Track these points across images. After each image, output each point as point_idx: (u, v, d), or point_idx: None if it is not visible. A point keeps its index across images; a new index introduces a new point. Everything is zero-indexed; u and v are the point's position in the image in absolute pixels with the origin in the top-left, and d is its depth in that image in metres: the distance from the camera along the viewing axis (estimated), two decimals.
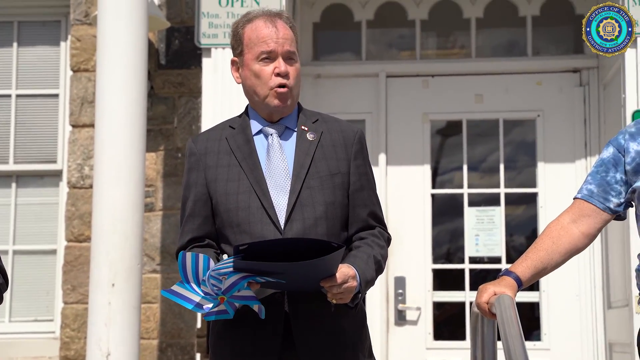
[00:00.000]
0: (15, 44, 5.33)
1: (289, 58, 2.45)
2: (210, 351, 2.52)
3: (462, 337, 5.08)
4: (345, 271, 2.29)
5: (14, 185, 5.22)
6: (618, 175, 2.46)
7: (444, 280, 5.21)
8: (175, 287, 2.26)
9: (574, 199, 2.53)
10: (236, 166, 2.45)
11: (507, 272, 2.42)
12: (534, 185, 5.19)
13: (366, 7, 5.41)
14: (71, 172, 5.06)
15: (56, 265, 5.12)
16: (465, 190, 5.21)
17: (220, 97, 4.54)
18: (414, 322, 5.10)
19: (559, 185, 5.11)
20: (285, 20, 2.49)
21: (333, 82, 5.34)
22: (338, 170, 2.46)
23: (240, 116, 2.57)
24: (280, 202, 2.41)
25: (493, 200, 5.20)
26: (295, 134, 2.50)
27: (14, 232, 5.17)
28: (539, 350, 5.00)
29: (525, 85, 5.25)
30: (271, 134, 2.49)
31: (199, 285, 2.23)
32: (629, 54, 4.34)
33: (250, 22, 2.48)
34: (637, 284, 2.47)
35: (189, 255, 2.23)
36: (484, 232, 5.16)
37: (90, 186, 4.94)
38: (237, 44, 2.50)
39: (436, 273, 5.19)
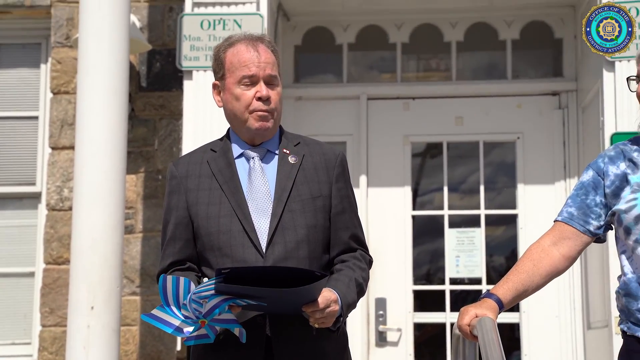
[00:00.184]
0: None
1: (270, 82, 2.45)
2: None
3: (442, 359, 5.08)
4: (327, 296, 2.29)
5: None
6: (598, 198, 2.48)
7: (424, 301, 5.21)
8: (155, 311, 2.25)
9: (554, 221, 2.55)
10: (217, 189, 2.45)
11: (489, 294, 2.43)
12: (514, 206, 5.22)
13: (347, 30, 5.44)
14: (50, 194, 5.03)
15: (34, 288, 5.08)
16: (446, 212, 5.23)
17: (202, 119, 4.54)
18: (395, 344, 5.09)
19: (538, 206, 5.15)
20: (267, 45, 2.49)
21: (314, 104, 5.36)
22: (320, 193, 2.47)
23: (221, 139, 2.57)
24: (262, 226, 2.40)
25: (473, 222, 5.23)
26: (277, 157, 2.50)
27: None
28: None
29: (505, 107, 5.30)
30: (253, 157, 2.49)
31: (179, 308, 2.22)
32: (607, 77, 4.39)
33: (232, 46, 2.48)
34: (617, 306, 2.49)
35: (169, 278, 2.22)
36: (465, 253, 5.18)
37: (70, 208, 4.92)
38: (219, 68, 2.51)
39: (417, 294, 5.19)
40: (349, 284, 2.39)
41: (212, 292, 2.18)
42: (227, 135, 2.56)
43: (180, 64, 4.66)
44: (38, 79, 5.30)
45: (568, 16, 5.29)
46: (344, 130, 5.31)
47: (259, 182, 2.45)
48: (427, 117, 5.32)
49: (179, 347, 4.50)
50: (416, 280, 5.21)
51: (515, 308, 5.05)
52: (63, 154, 5.07)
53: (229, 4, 4.67)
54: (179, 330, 2.23)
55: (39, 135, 5.22)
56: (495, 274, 5.21)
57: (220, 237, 2.40)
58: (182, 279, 2.21)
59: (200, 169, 2.50)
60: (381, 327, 5.08)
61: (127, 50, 4.29)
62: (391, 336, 5.10)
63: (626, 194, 2.44)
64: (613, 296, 4.18)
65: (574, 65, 5.26)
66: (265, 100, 2.43)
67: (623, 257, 2.46)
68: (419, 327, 5.17)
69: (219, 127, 4.18)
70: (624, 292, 2.43)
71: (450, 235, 5.21)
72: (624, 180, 2.46)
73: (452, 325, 5.04)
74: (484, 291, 5.04)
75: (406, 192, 5.25)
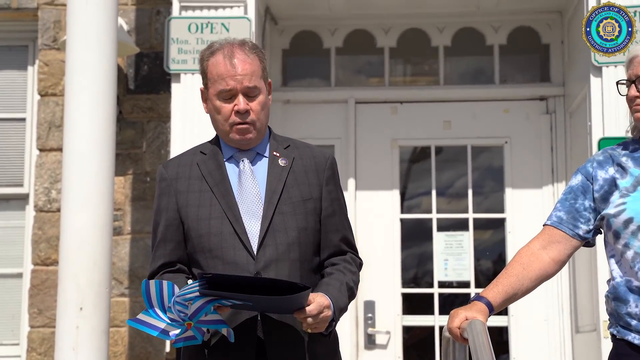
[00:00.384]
0: None
1: (249, 94, 2.43)
2: None
3: None
4: (320, 301, 2.29)
5: None
6: (587, 203, 2.50)
7: (413, 304, 5.23)
8: (140, 316, 2.24)
9: (543, 225, 2.57)
10: (208, 192, 2.45)
11: (479, 298, 2.44)
12: (501, 210, 5.25)
13: (335, 34, 5.46)
14: (38, 195, 5.02)
15: (22, 289, 5.06)
16: (434, 215, 5.25)
17: (190, 122, 4.54)
18: (384, 346, 5.11)
19: (526, 211, 5.17)
20: (249, 51, 2.45)
21: (302, 108, 5.37)
22: (310, 196, 2.47)
23: (211, 142, 2.57)
24: (253, 228, 2.41)
25: (461, 225, 5.25)
26: (266, 159, 2.51)
27: None
28: None
29: (492, 112, 5.32)
30: (242, 160, 2.49)
31: (164, 312, 2.22)
32: (594, 82, 4.42)
33: (212, 55, 2.46)
34: (607, 309, 2.51)
35: (152, 282, 2.21)
36: (453, 257, 5.20)
37: (57, 210, 4.91)
38: (203, 76, 2.51)
39: (405, 297, 5.21)
40: (340, 288, 2.40)
41: (196, 294, 2.18)
42: (217, 137, 2.57)
43: (168, 67, 4.66)
44: (25, 81, 5.29)
45: (555, 22, 5.33)
46: (332, 134, 5.32)
47: (249, 185, 2.46)
48: (415, 121, 5.34)
49: (167, 349, 4.50)
50: (405, 284, 5.23)
51: (503, 312, 5.06)
52: (51, 155, 5.05)
53: (216, 8, 4.67)
54: (164, 333, 2.23)
55: (27, 137, 5.21)
56: (483, 277, 5.23)
57: (211, 239, 2.40)
58: (165, 282, 2.21)
59: (190, 171, 2.50)
60: (370, 330, 5.09)
61: (115, 52, 4.28)
62: (380, 339, 5.11)
63: (615, 198, 2.46)
64: (601, 300, 4.22)
65: (561, 71, 5.30)
66: (243, 113, 2.42)
67: (612, 261, 2.49)
68: (407, 330, 5.18)
69: (207, 129, 4.16)
70: (613, 295, 2.45)
71: (439, 239, 5.23)
72: (612, 184, 2.48)
73: (440, 328, 5.07)
74: (472, 294, 5.08)
75: (394, 195, 5.26)
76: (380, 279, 5.13)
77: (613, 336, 2.46)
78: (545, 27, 5.36)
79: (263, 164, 2.50)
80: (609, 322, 2.50)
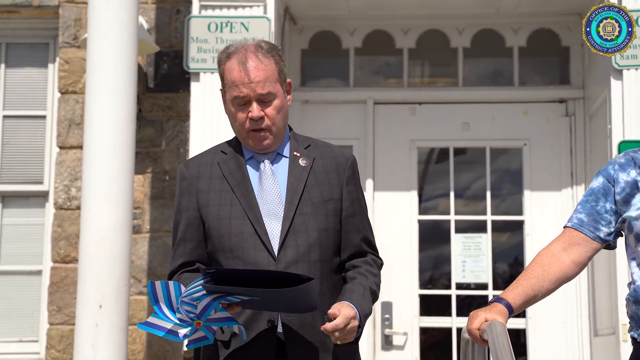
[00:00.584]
0: (3, 66, 5.34)
1: (263, 100, 2.42)
2: None
3: None
4: (345, 313, 2.28)
5: (0, 205, 5.20)
6: (608, 205, 2.49)
7: (430, 305, 5.22)
8: (150, 319, 2.24)
9: (564, 227, 2.56)
10: (229, 191, 2.45)
11: (498, 299, 2.43)
12: (520, 212, 5.23)
13: (354, 34, 5.46)
14: (58, 193, 5.04)
15: (41, 286, 5.09)
16: (452, 217, 5.24)
17: (209, 120, 4.55)
18: (401, 347, 5.10)
19: (545, 213, 5.16)
20: (264, 54, 2.42)
21: (321, 108, 5.37)
22: (331, 197, 2.47)
23: (231, 141, 2.57)
24: (274, 229, 2.41)
25: (479, 227, 5.24)
26: (287, 160, 2.50)
27: None
28: None
29: (511, 114, 5.31)
30: (263, 161, 2.49)
31: (173, 312, 2.22)
32: (615, 85, 4.41)
33: (228, 59, 2.45)
34: (627, 312, 2.50)
35: (158, 283, 2.21)
36: (471, 259, 5.19)
37: (77, 207, 4.94)
38: (221, 79, 2.50)
39: (423, 298, 5.20)
40: (363, 294, 2.39)
41: (202, 292, 2.17)
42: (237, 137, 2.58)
43: (188, 65, 4.68)
44: (46, 78, 5.32)
45: (575, 24, 5.31)
46: (351, 134, 5.32)
47: (269, 185, 2.46)
48: (433, 122, 5.33)
49: (185, 347, 4.51)
50: (422, 285, 5.23)
51: (521, 314, 5.06)
52: (70, 153, 5.08)
53: (236, 7, 4.68)
54: (172, 333, 2.22)
55: (47, 135, 5.24)
56: (501, 279, 5.22)
57: (232, 239, 2.41)
58: (171, 283, 2.21)
59: (211, 170, 2.50)
60: (387, 331, 5.09)
61: (135, 51, 4.30)
62: (397, 340, 5.11)
63: (637, 200, 2.45)
64: (620, 303, 4.20)
65: (581, 73, 5.28)
66: (257, 120, 2.42)
67: (633, 263, 2.47)
68: (424, 331, 5.18)
69: (225, 128, 4.17)
70: (634, 299, 2.44)
71: (457, 241, 5.22)
72: (634, 187, 2.47)
73: (458, 329, 5.06)
74: (490, 297, 5.07)
75: (412, 196, 5.26)
76: (397, 280, 5.12)
77: (634, 339, 2.45)
78: (565, 30, 5.34)
79: (284, 164, 2.50)
80: (629, 325, 2.48)
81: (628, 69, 4.35)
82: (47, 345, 4.93)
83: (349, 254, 2.51)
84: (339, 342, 2.30)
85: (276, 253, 2.39)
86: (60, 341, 4.92)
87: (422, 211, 5.30)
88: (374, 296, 2.45)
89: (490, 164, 5.30)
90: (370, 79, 5.51)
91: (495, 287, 5.13)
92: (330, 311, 2.27)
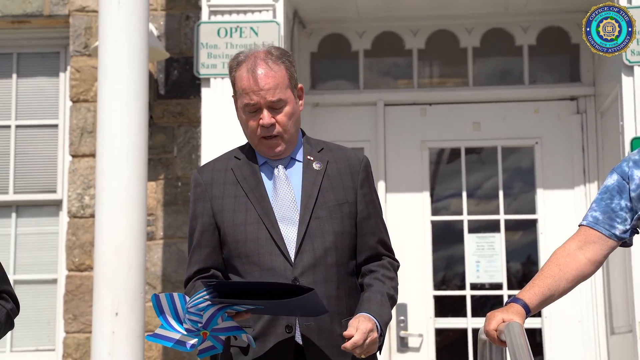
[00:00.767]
0: (14, 75, 5.37)
1: (274, 107, 2.42)
2: None
3: None
4: (363, 328, 2.28)
5: (13, 215, 5.23)
6: (623, 202, 2.48)
7: (445, 306, 5.22)
8: (158, 330, 2.25)
9: (579, 225, 2.55)
10: (243, 197, 2.46)
11: (515, 299, 2.43)
12: (532, 211, 5.22)
13: (363, 36, 5.46)
14: (71, 201, 5.06)
15: (57, 295, 5.11)
16: (465, 217, 5.24)
17: (220, 126, 4.56)
18: (416, 349, 5.10)
19: (558, 211, 5.15)
20: (274, 61, 2.43)
21: (331, 111, 5.38)
22: (345, 200, 2.47)
23: (245, 147, 2.57)
24: (289, 234, 2.41)
25: (491, 227, 5.23)
26: (301, 164, 2.51)
27: (14, 262, 5.17)
28: None
29: (522, 112, 5.30)
30: (277, 166, 2.50)
31: (180, 323, 2.23)
32: (626, 81, 4.39)
33: (238, 66, 2.45)
34: None
35: (162, 296, 2.22)
36: (485, 259, 5.18)
37: (91, 215, 4.96)
38: (232, 86, 2.51)
39: (437, 299, 5.20)
40: (381, 301, 2.40)
41: (206, 303, 2.18)
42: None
43: (198, 71, 4.69)
44: (57, 87, 5.35)
45: None
46: (362, 137, 5.32)
47: (284, 190, 2.46)
48: (444, 122, 5.33)
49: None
50: (436, 286, 5.22)
51: (537, 313, 5.02)
52: (83, 161, 5.10)
53: (245, 12, 4.69)
54: (180, 343, 2.23)
55: (59, 143, 5.26)
56: (515, 279, 5.21)
57: (247, 245, 2.41)
58: (175, 294, 2.22)
59: (225, 176, 2.51)
60: (402, 333, 5.08)
61: (146, 58, 4.32)
62: (412, 342, 5.10)
63: None
64: (637, 301, 4.18)
65: (591, 70, 5.27)
66: (268, 127, 2.42)
67: None
68: (439, 333, 5.17)
69: (237, 134, 4.18)
70: None
71: (470, 241, 5.21)
72: None
73: (473, 330, 5.05)
74: (505, 296, 5.06)
75: (425, 197, 5.26)
76: (411, 281, 5.12)
77: None
78: (574, 27, 5.33)
79: (297, 168, 2.51)
80: None
81: (639, 65, 4.34)
82: (63, 353, 4.95)
83: (365, 257, 2.51)
84: (363, 357, 2.30)
85: (292, 258, 2.39)
86: (76, 349, 4.94)
87: (434, 212, 5.29)
88: (393, 301, 2.45)
89: (502, 163, 5.29)
90: (380, 80, 5.51)
91: (509, 287, 5.11)
92: (345, 332, 2.27)
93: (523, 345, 2.20)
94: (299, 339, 2.37)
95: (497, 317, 2.37)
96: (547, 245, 5.08)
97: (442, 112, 5.35)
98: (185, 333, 2.22)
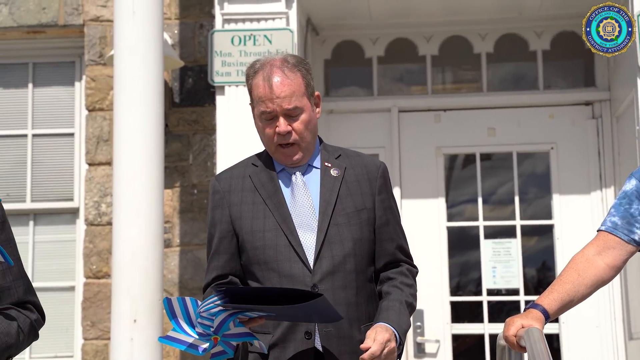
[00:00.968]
0: (30, 85, 5.40)
1: (290, 115, 2.43)
2: None
3: None
4: (380, 339, 2.28)
5: (31, 223, 5.26)
6: None
7: (461, 312, 5.21)
8: (170, 333, 2.26)
9: (597, 231, 2.55)
10: (261, 204, 2.47)
11: (534, 305, 2.43)
12: (549, 217, 5.21)
13: (377, 43, 5.47)
14: (88, 209, 5.09)
15: (75, 302, 5.14)
16: (481, 223, 5.23)
17: (235, 133, 4.57)
18: (434, 355, 5.09)
19: (574, 217, 5.13)
20: (290, 69, 2.43)
21: (345, 118, 5.38)
22: (364, 206, 2.48)
23: (262, 154, 2.58)
24: (308, 240, 2.42)
25: (506, 232, 5.22)
26: (318, 171, 2.51)
27: (32, 270, 5.20)
28: None
29: (537, 118, 5.30)
30: (295, 173, 2.50)
31: (193, 327, 2.24)
32: None
33: (255, 75, 2.46)
34: None
35: (174, 299, 2.23)
36: (501, 264, 5.17)
37: (107, 223, 4.98)
38: (249, 94, 2.52)
39: (454, 305, 5.19)
40: (400, 310, 2.40)
41: (217, 308, 2.19)
42: None
43: (212, 79, 4.70)
44: (73, 96, 5.38)
45: None
46: (376, 143, 5.33)
47: (302, 197, 2.47)
48: (458, 128, 5.33)
49: None
50: (453, 292, 5.21)
51: (554, 319, 5.02)
52: (99, 169, 5.13)
53: (259, 20, 4.70)
54: (192, 347, 2.24)
55: (75, 152, 5.29)
56: (532, 284, 5.20)
57: (266, 252, 2.42)
58: (187, 299, 2.23)
59: (242, 183, 2.51)
60: (419, 339, 5.08)
61: (161, 67, 4.34)
62: (429, 347, 5.10)
63: None
64: None
65: (606, 75, 5.26)
66: (284, 134, 2.43)
67: None
68: (456, 338, 5.16)
69: (252, 141, 4.21)
70: None
71: (486, 246, 5.21)
72: None
73: (490, 336, 5.04)
74: (521, 302, 5.05)
75: (440, 203, 5.26)
76: (428, 287, 5.11)
77: None
78: None
79: (315, 175, 2.51)
80: None
81: None
82: None
83: (383, 263, 2.51)
84: None
85: (311, 265, 2.40)
86: (95, 356, 4.96)
87: (449, 217, 5.29)
88: (411, 308, 2.45)
89: (517, 168, 5.28)
90: (394, 87, 5.52)
91: (526, 292, 5.10)
92: (362, 345, 2.27)
93: (543, 351, 2.21)
94: (318, 345, 2.38)
95: (516, 323, 2.37)
96: (563, 251, 5.06)
97: (457, 118, 5.35)
98: (197, 337, 2.23)
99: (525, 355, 2.33)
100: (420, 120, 5.36)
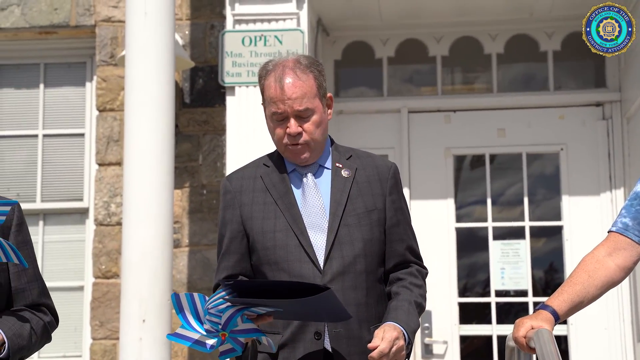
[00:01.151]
0: (42, 86, 5.42)
1: (301, 116, 2.44)
2: None
3: None
4: (388, 337, 2.28)
5: (41, 223, 5.27)
6: None
7: (470, 313, 5.20)
8: (179, 330, 2.26)
9: (608, 232, 2.54)
10: (272, 204, 2.47)
11: (544, 306, 2.43)
12: (558, 218, 5.20)
13: (387, 44, 5.47)
14: (98, 209, 5.11)
15: (83, 302, 5.15)
16: (490, 224, 5.23)
17: (245, 134, 4.58)
18: (441, 356, 5.09)
19: (584, 218, 5.12)
20: (302, 70, 2.44)
21: (355, 118, 5.39)
22: (374, 207, 2.48)
23: (273, 154, 2.59)
24: (318, 241, 2.42)
25: (515, 233, 5.21)
26: (329, 171, 2.52)
27: (41, 269, 5.17)
28: None
29: (547, 119, 5.28)
30: (306, 174, 2.51)
31: (201, 323, 2.23)
32: None
33: (268, 74, 2.47)
34: None
35: (182, 295, 2.24)
36: (510, 265, 5.16)
37: (117, 223, 5.00)
38: (261, 94, 2.53)
39: (462, 306, 5.18)
40: (409, 309, 2.40)
41: (224, 304, 2.19)
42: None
43: (223, 80, 4.71)
44: (83, 97, 5.40)
45: None
46: (386, 144, 5.33)
47: (312, 198, 2.47)
48: (468, 129, 5.32)
49: None
50: (461, 293, 5.21)
51: (562, 320, 5.01)
52: (109, 170, 5.15)
53: (269, 21, 4.71)
54: (199, 344, 2.24)
55: (86, 152, 5.31)
56: (540, 285, 5.18)
57: (277, 252, 2.43)
58: (196, 294, 2.23)
59: (254, 183, 2.52)
60: (427, 340, 5.07)
61: (172, 67, 4.35)
62: (437, 349, 5.09)
63: None
64: None
65: (617, 76, 5.24)
66: (294, 135, 2.44)
67: None
68: (464, 340, 5.16)
69: (262, 141, 4.22)
70: None
71: (495, 248, 5.20)
72: None
73: (498, 337, 5.04)
74: (530, 303, 5.04)
75: (449, 204, 5.25)
76: (436, 288, 5.10)
77: None
78: None
79: (326, 176, 2.52)
80: None
81: None
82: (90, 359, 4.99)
83: (393, 264, 2.51)
84: None
85: (322, 265, 2.40)
86: (103, 356, 4.97)
87: (458, 218, 5.28)
88: (420, 309, 2.46)
89: (526, 169, 5.27)
90: (404, 87, 5.52)
91: (535, 294, 5.09)
92: (370, 345, 2.27)
93: (553, 352, 2.20)
94: (327, 345, 2.38)
95: (526, 324, 2.36)
96: (572, 252, 5.05)
97: (467, 118, 5.34)
98: (204, 333, 2.22)
99: (534, 356, 2.33)
100: (430, 121, 5.36)
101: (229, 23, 4.74)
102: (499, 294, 5.16)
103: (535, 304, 4.97)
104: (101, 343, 4.99)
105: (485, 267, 5.20)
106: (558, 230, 5.20)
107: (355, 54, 5.50)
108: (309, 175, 2.51)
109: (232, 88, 4.70)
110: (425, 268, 2.58)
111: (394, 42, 5.47)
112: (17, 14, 5.29)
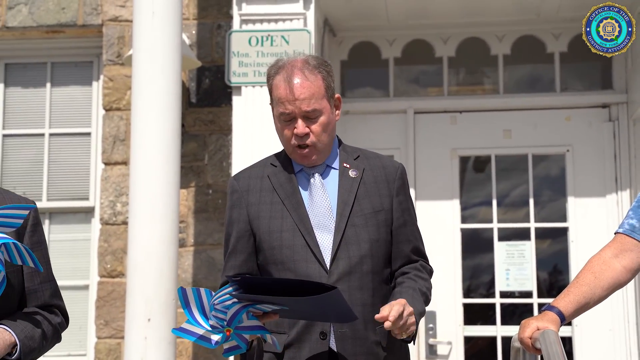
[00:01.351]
0: (48, 85, 5.43)
1: (309, 117, 2.44)
2: None
3: None
4: (397, 303, 2.25)
5: (46, 222, 5.28)
6: None
7: (474, 314, 5.20)
8: (184, 325, 2.26)
9: (615, 233, 2.54)
10: (279, 204, 2.48)
11: (550, 307, 2.42)
12: (563, 219, 5.19)
13: (393, 44, 5.47)
14: (104, 209, 5.12)
15: (89, 301, 5.16)
16: (495, 225, 5.22)
17: (251, 134, 4.59)
18: (445, 357, 5.09)
19: (589, 220, 5.11)
20: (311, 71, 2.43)
21: (361, 119, 5.39)
22: (381, 207, 2.48)
23: (280, 154, 2.59)
24: (325, 241, 2.43)
25: (520, 235, 5.21)
26: (337, 172, 2.52)
27: None
28: None
29: (553, 120, 5.28)
30: (313, 174, 2.51)
31: (206, 318, 2.23)
32: None
33: (276, 74, 2.46)
34: None
35: (189, 290, 2.23)
36: (515, 267, 5.16)
37: (123, 223, 5.00)
38: (269, 94, 2.52)
39: (467, 307, 5.18)
40: (413, 295, 2.39)
41: (230, 300, 2.19)
42: None
43: (229, 80, 4.72)
44: (90, 96, 5.41)
45: None
46: (392, 144, 5.33)
47: (319, 198, 2.48)
48: (474, 130, 5.32)
49: (232, 359, 4.54)
50: (466, 294, 5.20)
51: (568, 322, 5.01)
52: (116, 169, 5.15)
53: (276, 21, 4.72)
54: (203, 339, 2.23)
55: (92, 151, 5.32)
56: (545, 287, 5.18)
57: (283, 252, 2.43)
58: (202, 290, 2.23)
59: (261, 183, 2.53)
60: (431, 340, 5.07)
61: (179, 67, 4.34)
62: (441, 349, 5.09)
63: None
64: None
65: (624, 77, 5.23)
66: (302, 136, 2.44)
67: None
68: (468, 340, 5.15)
69: (268, 141, 4.23)
70: None
71: (500, 249, 5.20)
72: None
73: (503, 338, 5.03)
74: (535, 304, 5.04)
75: (455, 205, 5.25)
76: (441, 289, 5.10)
77: None
78: None
79: (333, 176, 2.52)
80: None
81: None
82: (95, 358, 4.99)
83: (400, 264, 2.52)
84: (404, 335, 2.26)
85: (328, 265, 2.40)
86: (108, 355, 4.98)
87: (463, 219, 5.28)
88: (425, 297, 2.43)
89: (532, 170, 5.26)
90: (410, 88, 5.51)
91: (539, 295, 5.09)
92: (377, 316, 2.23)
93: (558, 353, 2.20)
94: (333, 345, 2.38)
95: (531, 325, 2.36)
96: (578, 254, 5.05)
97: (473, 119, 5.34)
98: (209, 329, 2.22)
99: (540, 357, 2.32)
100: (436, 121, 5.35)
101: (236, 23, 4.74)
102: (503, 295, 5.16)
103: (540, 305, 4.97)
104: (106, 342, 5.00)
105: (490, 268, 5.20)
106: (563, 231, 5.20)
107: (361, 54, 5.50)
108: (316, 175, 2.51)
109: (239, 88, 4.70)
110: (430, 266, 2.58)
111: (400, 42, 5.47)
112: (24, 13, 5.30)
